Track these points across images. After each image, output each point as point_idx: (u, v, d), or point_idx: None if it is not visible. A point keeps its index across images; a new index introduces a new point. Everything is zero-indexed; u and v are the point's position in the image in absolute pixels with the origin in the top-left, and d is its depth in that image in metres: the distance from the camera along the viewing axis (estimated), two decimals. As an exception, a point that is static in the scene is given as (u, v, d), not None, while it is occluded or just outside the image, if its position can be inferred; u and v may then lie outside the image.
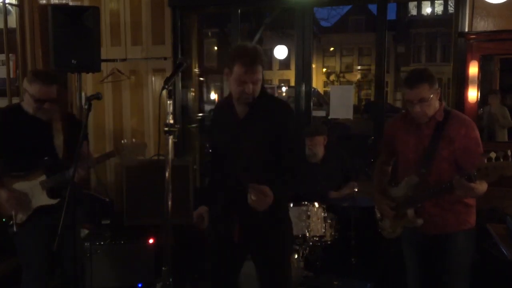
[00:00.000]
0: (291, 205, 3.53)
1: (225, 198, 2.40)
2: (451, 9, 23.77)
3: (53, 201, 2.75)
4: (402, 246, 2.71)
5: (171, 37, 4.56)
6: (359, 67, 34.32)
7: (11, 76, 4.69)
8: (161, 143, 2.17)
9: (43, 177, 2.75)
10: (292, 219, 3.42)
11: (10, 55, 4.67)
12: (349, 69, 34.60)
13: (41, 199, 2.75)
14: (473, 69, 3.78)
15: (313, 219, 3.45)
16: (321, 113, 8.34)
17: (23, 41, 4.69)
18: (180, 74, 3.97)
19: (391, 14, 32.96)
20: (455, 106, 3.81)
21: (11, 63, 4.70)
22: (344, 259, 3.58)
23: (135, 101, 4.75)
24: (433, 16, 31.93)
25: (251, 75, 2.18)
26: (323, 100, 17.82)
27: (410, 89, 2.41)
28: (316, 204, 3.49)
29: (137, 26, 4.66)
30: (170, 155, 2.12)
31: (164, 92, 2.09)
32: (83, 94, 4.24)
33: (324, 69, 34.45)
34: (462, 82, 3.86)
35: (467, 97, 3.82)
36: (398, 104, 31.15)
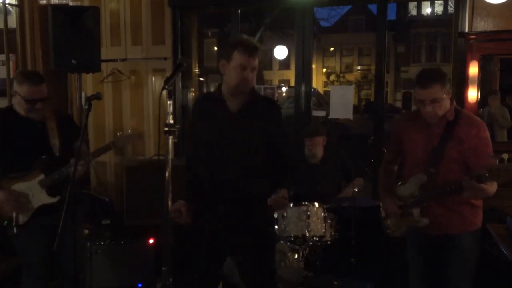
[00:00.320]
0: (291, 205, 3.53)
1: (212, 191, 2.39)
2: (451, 9, 23.76)
3: (53, 200, 2.76)
4: (407, 246, 2.70)
5: (171, 37, 4.56)
6: (359, 67, 34.33)
7: (11, 76, 4.69)
8: (161, 143, 2.17)
9: (42, 176, 2.75)
10: (292, 219, 3.45)
11: (10, 55, 4.66)
12: (349, 69, 34.61)
13: (41, 198, 2.75)
14: (473, 69, 3.78)
15: (313, 219, 3.44)
16: (321, 113, 8.33)
17: (23, 41, 4.69)
18: (180, 74, 3.97)
19: (391, 14, 33.03)
20: (455, 106, 3.80)
21: (11, 63, 4.70)
22: (344, 259, 3.58)
23: (135, 101, 4.75)
24: (433, 16, 31.94)
25: (251, 60, 2.26)
26: (323, 100, 17.81)
27: (422, 89, 2.38)
28: (316, 204, 3.49)
29: (137, 26, 4.66)
30: (170, 155, 2.12)
31: (164, 92, 2.09)
32: (83, 94, 4.24)
33: (324, 69, 34.47)
34: (462, 82, 3.86)
35: (467, 97, 3.82)
36: (398, 104, 31.20)
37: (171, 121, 2.01)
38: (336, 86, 27.07)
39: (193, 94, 5.07)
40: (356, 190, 3.63)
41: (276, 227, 3.49)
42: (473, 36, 3.76)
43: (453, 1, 4.56)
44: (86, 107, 2.47)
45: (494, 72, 4.13)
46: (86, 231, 3.82)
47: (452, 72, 4.09)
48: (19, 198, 2.70)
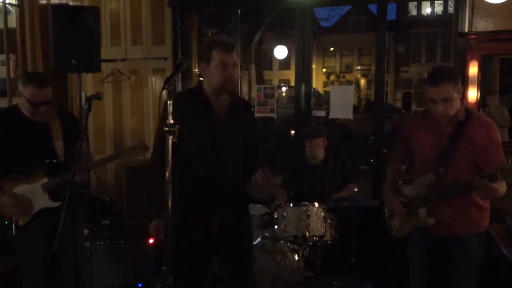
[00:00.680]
0: (291, 205, 3.53)
1: (199, 195, 2.37)
2: (451, 9, 23.78)
3: (55, 204, 2.73)
4: (409, 246, 2.68)
5: (171, 37, 4.57)
6: (359, 67, 34.33)
7: (11, 76, 4.69)
8: (161, 143, 2.16)
9: (45, 180, 2.73)
10: (292, 219, 3.45)
11: (10, 55, 4.66)
12: (349, 69, 34.61)
13: (43, 201, 2.73)
14: (473, 69, 3.78)
15: (313, 219, 3.44)
16: (321, 113, 8.33)
17: (23, 41, 4.69)
18: (180, 74, 3.97)
19: (391, 14, 33.04)
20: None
21: (11, 63, 4.70)
22: (344, 259, 3.58)
23: (135, 101, 4.75)
24: (433, 16, 31.95)
25: (231, 56, 2.29)
26: (323, 100, 17.81)
27: (434, 87, 2.35)
28: (316, 204, 3.49)
29: (137, 26, 4.66)
30: (170, 155, 2.12)
31: (164, 92, 2.09)
32: (83, 94, 4.24)
33: (324, 69, 34.47)
34: (462, 82, 3.84)
35: (467, 97, 3.83)
36: (398, 104, 31.19)
37: (171, 121, 2.01)
38: (336, 86, 27.07)
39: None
40: (356, 190, 3.63)
41: (276, 227, 3.49)
42: (473, 36, 3.76)
43: (453, 1, 4.57)
44: (86, 107, 2.47)
45: (494, 72, 4.14)
46: (86, 231, 3.82)
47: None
48: (22, 202, 2.69)
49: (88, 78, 4.66)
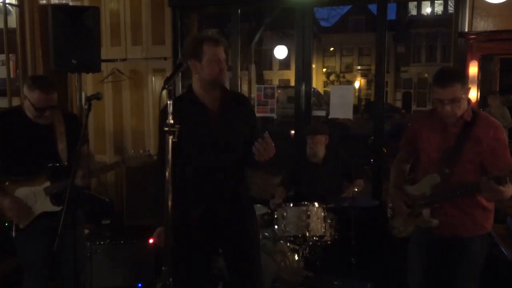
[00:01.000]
0: (291, 205, 3.53)
1: (198, 193, 2.38)
2: (451, 9, 23.78)
3: (56, 208, 2.71)
4: (409, 246, 2.67)
5: (171, 37, 4.56)
6: (359, 67, 34.34)
7: (11, 76, 4.69)
8: (161, 143, 2.17)
9: (47, 184, 2.72)
10: (292, 219, 3.46)
11: (10, 55, 4.67)
12: (349, 69, 34.61)
13: (45, 205, 2.73)
14: (473, 69, 3.78)
15: (313, 219, 3.44)
16: (321, 113, 8.35)
17: (23, 41, 4.69)
18: (180, 74, 3.97)
19: (391, 14, 33.02)
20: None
21: (11, 63, 4.70)
22: (344, 259, 3.58)
23: (135, 101, 4.75)
24: (433, 16, 31.96)
25: (222, 51, 2.31)
26: (323, 100, 17.81)
27: (442, 88, 2.33)
28: (316, 204, 3.49)
29: (137, 26, 4.66)
30: (170, 155, 2.12)
31: (164, 92, 2.09)
32: (83, 94, 4.24)
33: (324, 69, 34.47)
34: (463, 82, 3.85)
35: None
36: (398, 104, 31.20)
37: (171, 121, 2.01)
38: (336, 86, 27.07)
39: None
40: (356, 190, 3.63)
41: (276, 227, 3.50)
42: (473, 36, 3.76)
43: (453, 1, 4.56)
44: (86, 107, 2.47)
45: (494, 72, 4.14)
46: (86, 231, 3.83)
47: (452, 72, 4.08)
48: (22, 206, 2.68)
49: (88, 78, 4.66)
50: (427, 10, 32.57)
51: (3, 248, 3.14)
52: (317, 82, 31.12)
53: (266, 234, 3.65)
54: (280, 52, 14.67)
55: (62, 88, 4.86)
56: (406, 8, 32.50)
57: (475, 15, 3.76)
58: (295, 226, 3.43)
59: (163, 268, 2.03)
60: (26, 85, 2.69)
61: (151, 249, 3.72)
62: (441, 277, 2.55)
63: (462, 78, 2.36)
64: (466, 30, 3.80)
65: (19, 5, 4.66)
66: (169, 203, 1.97)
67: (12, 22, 4.74)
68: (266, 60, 30.30)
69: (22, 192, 2.71)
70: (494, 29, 3.74)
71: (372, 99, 23.34)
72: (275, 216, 3.54)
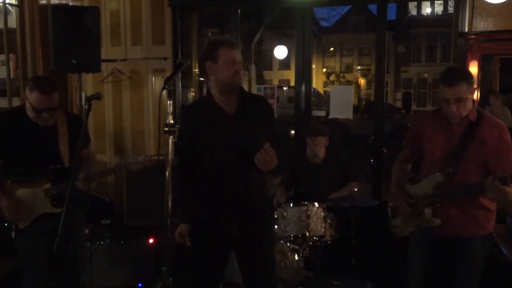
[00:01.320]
0: (291, 205, 3.53)
1: (217, 196, 2.39)
2: (451, 9, 23.77)
3: (56, 210, 2.70)
4: (410, 245, 2.66)
5: (171, 37, 4.56)
6: (359, 67, 34.34)
7: (11, 76, 4.69)
8: (161, 143, 2.17)
9: (48, 185, 2.72)
10: (292, 219, 3.46)
11: (10, 55, 4.67)
12: (349, 69, 34.62)
13: (45, 206, 2.72)
14: (473, 69, 3.78)
15: (313, 219, 3.45)
16: (321, 113, 8.33)
17: (23, 41, 4.69)
18: (180, 74, 3.96)
19: (391, 14, 33.03)
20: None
21: (11, 63, 4.70)
22: (344, 259, 3.58)
23: (135, 101, 4.75)
24: (433, 16, 31.96)
25: (238, 54, 2.33)
26: (323, 100, 17.81)
27: (449, 87, 2.33)
28: (316, 204, 3.49)
29: (137, 26, 4.66)
30: (170, 155, 2.12)
31: (164, 92, 2.09)
32: (83, 94, 4.24)
33: (324, 69, 34.48)
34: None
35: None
36: (398, 104, 31.21)
37: (171, 121, 2.01)
38: (336, 86, 27.07)
39: (193, 94, 5.07)
40: (356, 190, 3.63)
41: (276, 227, 3.50)
42: (473, 36, 3.76)
43: (453, 1, 4.56)
44: (86, 107, 2.47)
45: (494, 72, 4.13)
46: (86, 231, 3.83)
47: (452, 72, 4.08)
48: (20, 207, 2.68)
49: (88, 78, 4.66)
50: (427, 10, 32.58)
51: (3, 248, 3.14)
52: (317, 82, 31.12)
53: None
54: (280, 52, 14.67)
55: (62, 88, 4.86)
56: (406, 8, 32.50)
57: (475, 15, 3.76)
58: (295, 226, 3.43)
59: (163, 268, 2.03)
60: (27, 86, 2.68)
61: (151, 249, 3.72)
62: (441, 277, 2.55)
63: (469, 78, 2.36)
64: (466, 30, 3.80)
65: (19, 5, 4.66)
66: (169, 203, 1.98)
67: (12, 22, 4.74)
68: (266, 60, 30.31)
69: (22, 192, 2.70)
70: (494, 29, 3.74)
71: (372, 99, 23.38)
72: (275, 216, 3.54)
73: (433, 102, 30.32)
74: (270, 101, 4.79)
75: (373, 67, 14.08)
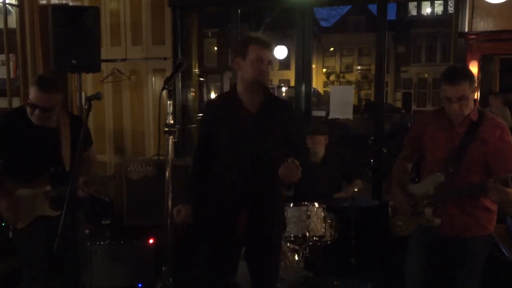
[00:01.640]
0: (291, 205, 3.53)
1: (228, 193, 2.40)
2: (451, 9, 23.78)
3: (54, 213, 2.70)
4: (409, 245, 2.67)
5: (171, 37, 4.56)
6: (359, 67, 34.32)
7: (11, 76, 4.69)
8: (161, 143, 2.18)
9: (48, 188, 2.71)
10: (292, 219, 3.45)
11: (10, 55, 4.67)
12: (349, 69, 34.59)
13: (43, 209, 2.72)
14: (473, 69, 3.77)
15: (313, 219, 3.45)
16: (321, 113, 8.34)
17: (23, 41, 4.70)
18: (180, 74, 3.96)
19: (391, 14, 33.01)
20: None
21: (11, 63, 4.71)
22: (344, 259, 3.58)
23: (135, 101, 4.75)
24: (433, 16, 31.94)
25: (267, 52, 2.33)
26: (323, 100, 17.81)
27: (451, 86, 2.33)
28: (316, 204, 3.49)
29: (137, 26, 4.66)
30: (170, 155, 2.12)
31: (164, 92, 2.10)
32: (83, 94, 4.24)
33: (324, 69, 34.45)
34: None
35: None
36: (398, 104, 31.20)
37: (171, 121, 2.02)
38: (336, 86, 27.06)
39: (193, 94, 5.07)
40: (356, 190, 3.63)
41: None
42: (473, 36, 3.76)
43: (453, 1, 4.56)
44: (86, 107, 2.46)
45: (494, 72, 4.13)
46: (87, 231, 3.83)
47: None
48: (20, 207, 2.67)
49: (88, 78, 4.66)
50: (427, 10, 32.56)
51: (3, 248, 3.14)
52: (317, 82, 31.08)
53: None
54: (280, 52, 14.63)
55: (62, 88, 4.85)
56: (406, 8, 32.49)
57: (475, 15, 3.76)
58: (295, 226, 3.43)
59: (163, 268, 2.03)
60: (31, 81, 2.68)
61: (151, 249, 3.72)
62: (441, 277, 2.55)
63: (470, 76, 2.36)
64: (466, 30, 3.80)
65: (19, 5, 4.67)
66: (170, 202, 1.98)
67: (12, 22, 4.74)
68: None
69: (22, 193, 2.70)
70: (494, 29, 3.74)
71: (372, 99, 23.37)
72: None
73: (433, 102, 30.32)
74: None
75: (373, 67, 14.06)
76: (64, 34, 3.79)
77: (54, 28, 3.81)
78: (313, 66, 6.21)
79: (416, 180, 2.67)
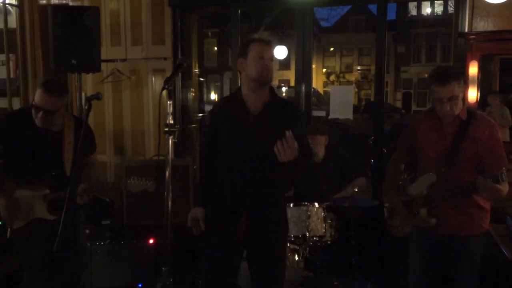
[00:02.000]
0: (291, 205, 3.53)
1: (229, 194, 2.40)
2: (451, 9, 23.77)
3: (51, 217, 2.70)
4: (408, 245, 2.67)
5: (171, 37, 4.56)
6: (359, 67, 34.32)
7: (11, 76, 4.69)
8: (161, 143, 2.18)
9: (47, 191, 2.71)
10: (292, 219, 3.45)
11: (10, 55, 4.67)
12: (349, 69, 34.59)
13: (41, 211, 2.72)
14: (473, 69, 3.78)
15: (313, 219, 3.45)
16: (321, 113, 8.32)
17: (23, 41, 4.70)
18: (180, 74, 3.97)
19: (391, 14, 33.00)
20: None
21: (11, 63, 4.70)
22: (344, 259, 3.58)
23: (135, 101, 4.75)
24: (433, 16, 31.94)
25: (268, 49, 2.34)
26: (323, 100, 17.80)
27: (441, 86, 2.36)
28: (316, 204, 3.49)
29: (137, 26, 4.66)
30: (170, 155, 2.12)
31: (164, 92, 2.10)
32: (83, 94, 4.24)
33: (324, 69, 34.44)
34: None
35: (466, 97, 3.82)
36: (398, 104, 31.19)
37: (171, 121, 2.02)
38: (336, 86, 27.05)
39: (193, 94, 5.07)
40: (356, 190, 3.63)
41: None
42: (473, 36, 3.76)
43: (453, 1, 4.56)
44: (86, 107, 2.46)
45: (494, 72, 4.13)
46: (87, 231, 3.83)
47: (452, 72, 4.08)
48: (18, 208, 2.67)
49: (88, 78, 4.66)
50: (427, 10, 32.55)
51: (3, 248, 3.14)
52: (317, 82, 31.07)
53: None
54: (280, 52, 14.63)
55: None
56: (406, 8, 32.48)
57: (475, 15, 3.76)
58: (295, 226, 3.43)
59: (163, 268, 2.03)
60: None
61: (151, 249, 3.72)
62: (441, 276, 2.56)
63: (459, 76, 2.39)
64: (466, 30, 3.80)
65: (19, 5, 4.67)
66: (170, 202, 1.98)
67: (12, 22, 4.74)
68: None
69: (21, 194, 2.70)
70: (494, 29, 3.74)
71: (372, 99, 23.36)
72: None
73: (433, 102, 30.28)
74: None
75: (373, 67, 14.06)
76: (64, 34, 3.79)
77: (54, 28, 3.81)
78: (313, 66, 6.21)
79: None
